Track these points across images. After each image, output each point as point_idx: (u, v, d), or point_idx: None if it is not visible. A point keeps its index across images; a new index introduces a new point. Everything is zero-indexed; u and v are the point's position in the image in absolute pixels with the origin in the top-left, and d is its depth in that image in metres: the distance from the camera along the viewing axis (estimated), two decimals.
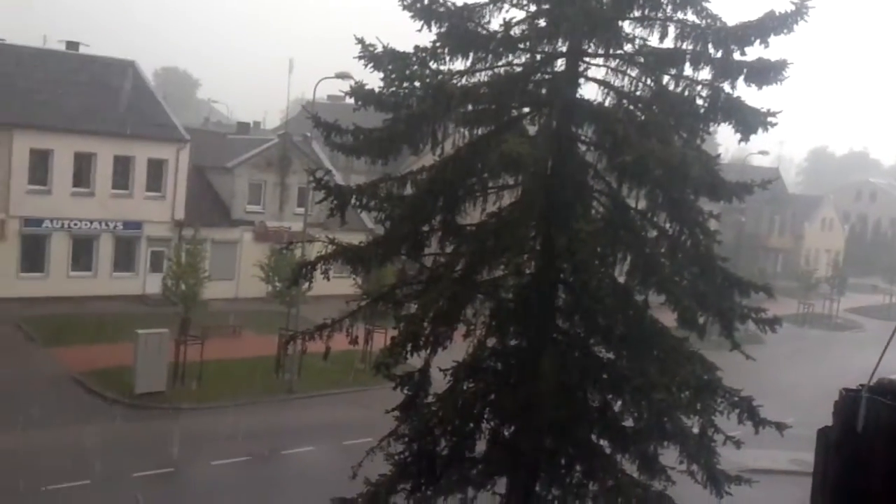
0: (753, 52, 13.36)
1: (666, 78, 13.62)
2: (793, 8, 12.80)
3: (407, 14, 13.46)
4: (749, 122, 13.39)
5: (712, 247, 13.91)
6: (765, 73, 13.20)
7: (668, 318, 13.74)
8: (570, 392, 13.44)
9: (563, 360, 13.50)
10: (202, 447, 23.71)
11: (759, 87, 13.36)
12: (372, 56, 13.45)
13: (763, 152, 53.80)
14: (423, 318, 13.70)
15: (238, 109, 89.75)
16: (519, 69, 13.68)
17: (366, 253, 14.33)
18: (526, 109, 14.01)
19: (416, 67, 13.50)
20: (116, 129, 39.57)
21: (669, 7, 13.23)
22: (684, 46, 13.28)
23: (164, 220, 41.04)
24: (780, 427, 13.84)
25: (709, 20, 13.17)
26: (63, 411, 24.83)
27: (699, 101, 13.52)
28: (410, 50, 13.51)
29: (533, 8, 13.54)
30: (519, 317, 13.91)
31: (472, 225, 14.13)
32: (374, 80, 13.71)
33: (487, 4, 13.52)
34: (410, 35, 13.92)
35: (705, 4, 13.26)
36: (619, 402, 14.30)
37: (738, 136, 13.59)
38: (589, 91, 14.18)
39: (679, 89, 13.56)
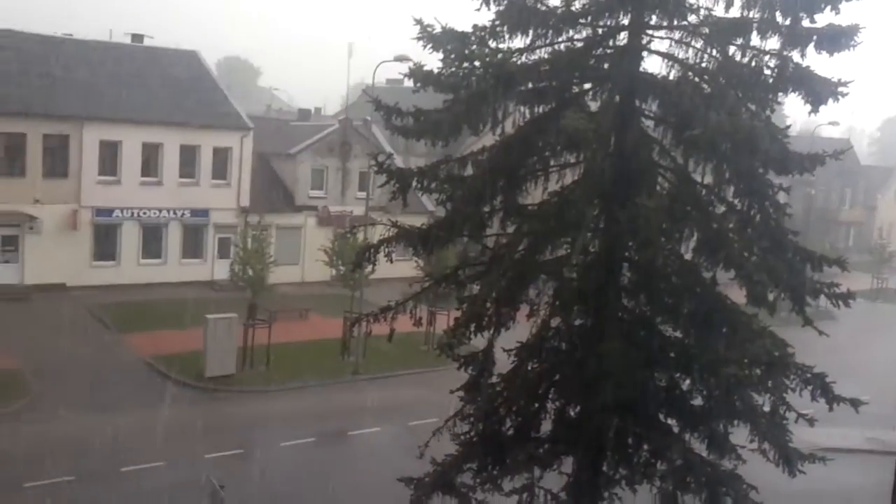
0: (823, 19, 12.92)
1: (732, 48, 13.23)
2: None
3: None
4: (819, 92, 12.95)
5: (782, 221, 13.54)
6: (835, 39, 12.74)
7: (737, 295, 13.45)
8: (636, 371, 13.24)
9: (628, 339, 13.32)
10: (271, 429, 24.19)
11: (830, 55, 12.90)
12: (430, 37, 13.36)
13: (833, 123, 52.31)
14: (486, 299, 13.67)
15: (299, 96, 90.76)
16: (580, 44, 13.44)
17: (428, 235, 14.32)
18: (587, 85, 13.77)
19: (475, 47, 13.36)
20: (182, 119, 40.37)
21: None
22: (751, 15, 12.89)
23: (230, 207, 41.79)
24: (855, 403, 13.44)
25: None
26: (137, 395, 25.59)
27: (767, 72, 13.09)
28: (469, 29, 13.39)
29: None
30: (583, 296, 13.75)
31: (534, 204, 13.99)
32: (432, 61, 13.68)
33: None
34: (469, 14, 13.84)
35: None
36: (687, 381, 14.05)
37: (808, 106, 13.16)
38: (652, 64, 13.89)
39: (746, 59, 13.17)
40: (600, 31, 13.62)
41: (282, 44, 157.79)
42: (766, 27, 12.80)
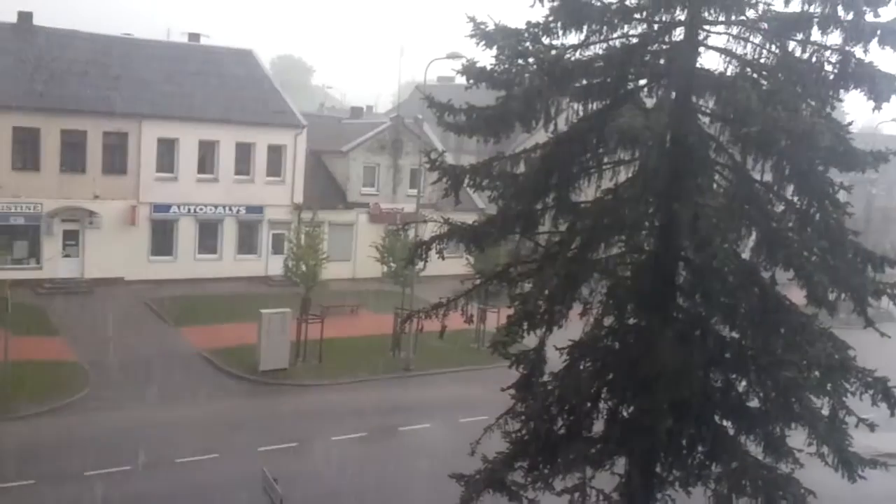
0: (888, 13, 12.57)
1: (792, 44, 12.94)
2: None
3: None
4: (882, 88, 12.57)
5: (843, 220, 13.19)
6: None
7: (796, 295, 13.18)
8: (691, 371, 13.04)
9: (683, 339, 13.12)
10: (323, 423, 24.45)
11: (895, 50, 12.54)
12: (483, 34, 13.32)
13: None
14: (538, 297, 13.58)
15: (351, 94, 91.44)
16: (635, 40, 13.25)
17: (480, 232, 14.29)
18: (642, 81, 13.57)
19: (528, 43, 13.27)
20: (237, 117, 40.99)
21: None
22: (811, 9, 12.57)
23: (284, 204, 42.30)
24: None
25: None
26: (193, 387, 26.06)
27: (828, 67, 12.76)
28: (522, 26, 13.33)
29: None
30: (637, 295, 13.57)
31: (588, 202, 13.86)
32: (485, 58, 13.64)
33: None
34: (522, 11, 13.77)
35: None
36: (744, 382, 13.81)
37: (871, 103, 12.81)
38: (709, 60, 13.66)
39: (806, 55, 12.86)
40: (656, 26, 13.41)
41: (335, 42, 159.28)
42: (828, 22, 12.49)
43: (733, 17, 13.12)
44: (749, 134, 12.30)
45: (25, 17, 39.63)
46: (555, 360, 14.31)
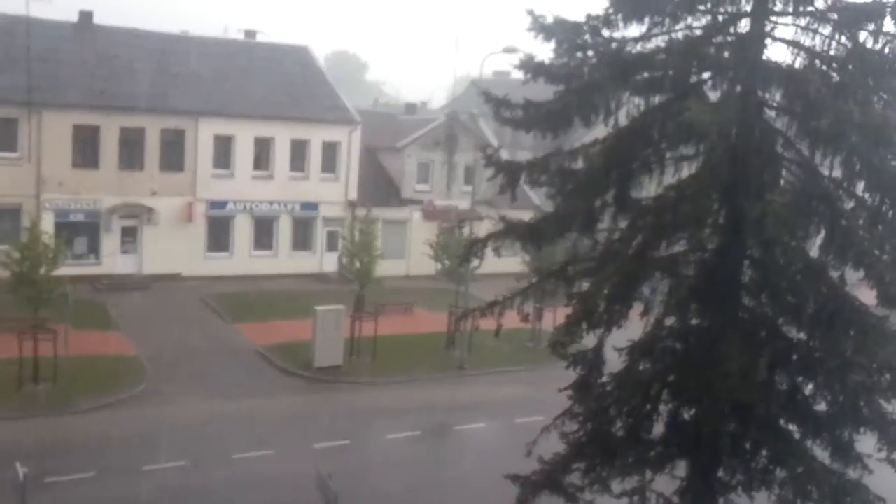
0: None
1: (863, 34, 12.44)
2: None
3: None
4: None
5: None
6: None
7: (866, 296, 12.67)
8: (755, 374, 12.64)
9: (748, 340, 12.73)
10: (377, 421, 24.44)
11: None
12: (542, 27, 13.09)
13: None
14: (597, 296, 13.32)
15: (405, 90, 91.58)
16: (699, 32, 12.90)
17: (536, 229, 14.05)
18: (706, 75, 13.18)
19: (588, 36, 13.01)
20: (293, 114, 41.29)
21: None
22: None
23: (339, 201, 42.49)
24: None
25: None
26: (249, 383, 26.30)
27: None
28: (582, 19, 13.06)
29: None
30: (700, 295, 13.22)
31: (649, 199, 13.54)
32: (543, 52, 13.41)
33: None
34: (581, 4, 13.49)
35: None
36: (811, 385, 13.38)
37: None
38: (776, 52, 13.22)
39: (878, 46, 12.36)
40: (721, 17, 13.06)
41: (389, 38, 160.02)
42: None
43: (802, 8, 12.72)
44: (818, 128, 11.88)
45: (86, 16, 40.42)
46: (613, 361, 14.03)
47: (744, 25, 12.93)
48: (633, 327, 13.78)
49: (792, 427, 13.65)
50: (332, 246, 41.60)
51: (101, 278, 36.76)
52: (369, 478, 19.79)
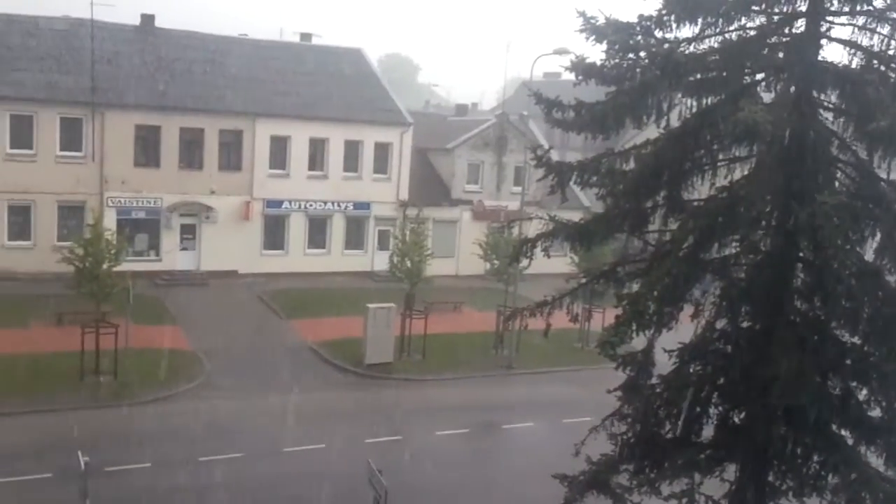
0: None
1: None
2: None
3: None
4: None
5: None
6: None
7: None
8: (807, 378, 12.50)
9: (801, 344, 12.58)
10: (426, 417, 24.64)
11: None
12: (594, 28, 13.11)
13: None
14: (648, 297, 13.26)
15: (456, 91, 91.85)
16: (753, 32, 12.79)
17: (586, 230, 14.08)
18: (760, 76, 13.06)
19: (640, 37, 13.00)
20: (347, 115, 41.81)
21: None
22: None
23: (390, 201, 42.89)
24: None
25: None
26: (301, 378, 26.73)
27: None
28: (634, 20, 13.05)
29: None
30: (752, 297, 13.10)
31: (700, 200, 13.48)
32: (594, 54, 13.43)
33: None
34: (633, 5, 13.49)
35: None
36: (865, 391, 13.16)
37: None
38: (832, 52, 13.06)
39: None
40: (775, 18, 12.93)
41: (441, 40, 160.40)
42: None
43: (859, 7, 12.51)
44: (876, 130, 11.66)
45: (148, 19, 41.50)
46: (663, 363, 13.99)
47: (799, 26, 12.79)
48: (684, 329, 13.72)
49: (845, 433, 13.43)
50: (383, 245, 42.02)
51: (161, 274, 37.68)
52: (419, 473, 20.01)
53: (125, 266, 29.21)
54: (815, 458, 13.47)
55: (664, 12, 12.81)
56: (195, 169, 38.78)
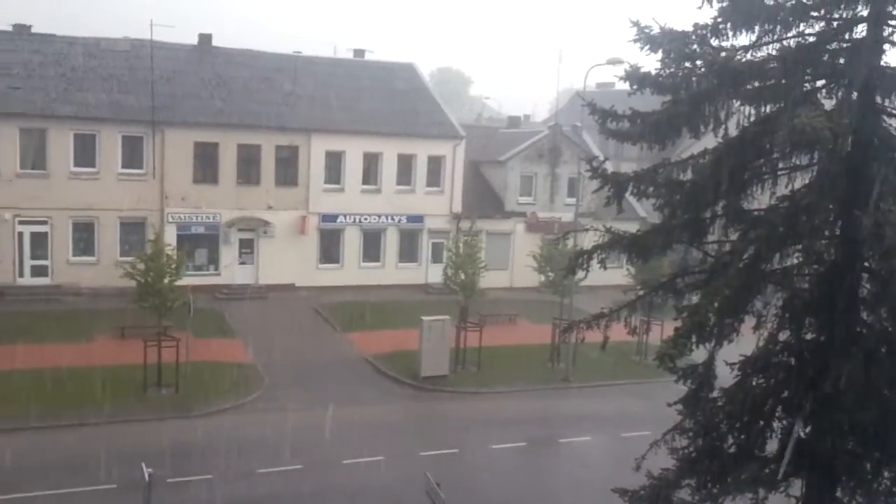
0: None
1: None
2: None
3: None
4: None
5: None
6: None
7: None
8: (876, 391, 12.18)
9: (867, 356, 12.24)
10: (482, 430, 24.58)
11: None
12: (648, 38, 13.00)
13: None
14: (708, 309, 13.04)
15: (508, 104, 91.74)
16: (812, 39, 12.56)
17: (643, 241, 13.92)
18: (820, 82, 12.82)
19: (695, 46, 12.86)
20: (400, 130, 42.13)
21: None
22: None
23: (443, 214, 43.03)
24: None
25: None
26: (358, 391, 26.92)
27: None
28: (689, 28, 12.92)
29: None
30: (816, 308, 12.81)
31: (761, 210, 13.23)
32: (648, 63, 13.33)
33: None
34: (688, 13, 13.36)
35: None
36: None
37: None
38: (894, 58, 12.75)
39: None
40: (835, 23, 12.67)
41: (492, 53, 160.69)
42: None
43: None
44: None
45: (205, 38, 42.47)
46: (724, 376, 13.74)
47: (860, 31, 12.51)
48: (745, 341, 13.48)
49: None
50: (436, 257, 42.15)
51: (220, 288, 38.36)
52: (477, 486, 19.96)
53: (185, 280, 29.75)
54: (886, 474, 13.10)
55: (720, 20, 12.65)
56: (252, 184, 39.44)
